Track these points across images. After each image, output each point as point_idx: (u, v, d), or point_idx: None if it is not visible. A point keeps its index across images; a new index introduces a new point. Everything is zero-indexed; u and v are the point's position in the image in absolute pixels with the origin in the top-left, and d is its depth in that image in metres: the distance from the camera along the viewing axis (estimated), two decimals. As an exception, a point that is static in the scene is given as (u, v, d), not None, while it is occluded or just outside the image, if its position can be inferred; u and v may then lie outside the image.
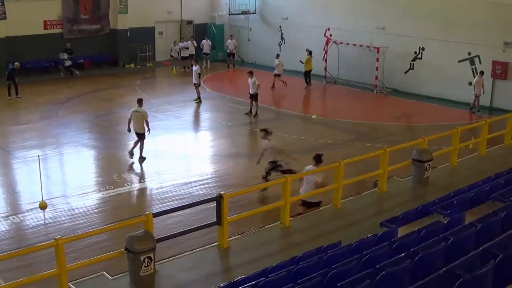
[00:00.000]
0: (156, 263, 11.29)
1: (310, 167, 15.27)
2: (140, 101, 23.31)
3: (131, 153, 23.12)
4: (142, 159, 22.87)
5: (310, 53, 36.82)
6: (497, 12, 30.62)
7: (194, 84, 31.92)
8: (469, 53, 32.25)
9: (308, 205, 15.21)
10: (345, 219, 14.22)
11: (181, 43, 42.46)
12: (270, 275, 9.49)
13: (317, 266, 9.36)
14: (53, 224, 17.15)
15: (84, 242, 14.74)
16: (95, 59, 40.65)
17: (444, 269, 7.36)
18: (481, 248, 7.77)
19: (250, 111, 29.58)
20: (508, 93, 29.65)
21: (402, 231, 11.36)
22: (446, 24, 32.93)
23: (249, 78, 29.24)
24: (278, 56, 37.20)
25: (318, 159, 15.20)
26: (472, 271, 6.75)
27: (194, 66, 32.13)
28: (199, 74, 31.75)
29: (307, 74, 36.75)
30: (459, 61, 32.69)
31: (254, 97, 29.28)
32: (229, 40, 43.30)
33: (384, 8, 35.56)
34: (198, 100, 31.80)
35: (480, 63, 31.81)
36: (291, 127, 28.04)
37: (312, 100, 34.94)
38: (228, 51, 43.22)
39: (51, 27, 38.96)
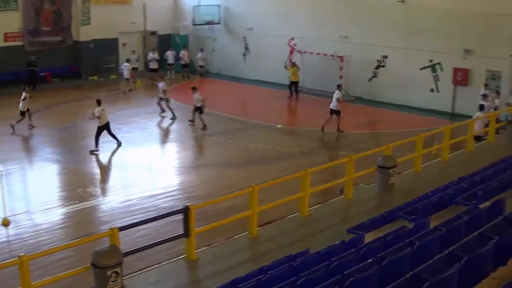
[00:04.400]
0: (123, 278, 11.20)
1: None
2: (99, 101, 26.02)
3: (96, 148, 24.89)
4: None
5: (294, 64, 36.91)
6: (457, 20, 31.05)
7: (161, 99, 31.59)
8: (431, 61, 32.65)
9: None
10: (313, 227, 14.27)
11: (150, 53, 42.16)
12: (239, 286, 9.50)
13: (286, 274, 9.40)
14: (17, 241, 16.90)
15: (49, 259, 14.52)
16: (57, 71, 40.31)
17: (410, 273, 7.46)
18: (446, 252, 7.88)
19: (193, 121, 29.75)
20: (469, 99, 30.03)
21: (368, 237, 11.45)
22: (408, 32, 33.31)
23: (194, 95, 29.44)
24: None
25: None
26: (438, 274, 6.85)
27: (159, 83, 31.83)
28: (164, 90, 31.52)
29: (293, 85, 36.91)
30: (420, 69, 33.08)
31: (199, 109, 29.34)
32: (182, 51, 43.18)
33: (347, 17, 35.85)
34: (173, 117, 31.35)
35: (442, 70, 32.21)
36: (257, 136, 28.10)
37: (278, 109, 35.02)
38: (182, 62, 42.96)
39: (11, 39, 38.60)
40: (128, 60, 39.87)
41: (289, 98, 36.75)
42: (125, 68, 38.93)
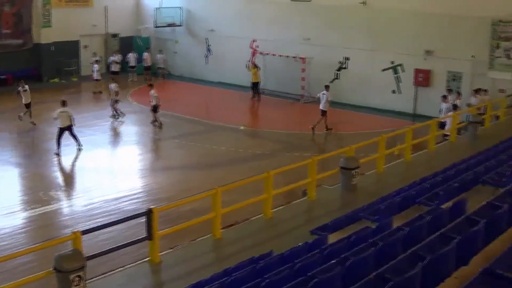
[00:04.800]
0: (87, 282, 11.08)
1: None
2: (64, 102, 25.87)
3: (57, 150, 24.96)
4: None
5: (255, 65, 36.95)
6: (418, 22, 31.39)
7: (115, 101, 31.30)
8: (392, 62, 32.94)
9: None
10: (276, 229, 14.26)
11: (111, 57, 41.89)
12: (202, 288, 9.48)
13: (249, 277, 9.37)
14: (-22, 246, 16.71)
15: (11, 264, 14.29)
16: (18, 74, 39.60)
17: (374, 273, 7.47)
18: (409, 252, 7.91)
19: (156, 121, 29.76)
20: (430, 99, 30.36)
21: (332, 238, 11.47)
22: (369, 34, 33.55)
23: (150, 91, 29.60)
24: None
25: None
26: (401, 274, 6.87)
27: (111, 85, 31.46)
28: (117, 92, 31.17)
29: (255, 86, 36.97)
30: (382, 70, 33.33)
31: (155, 108, 29.45)
32: (145, 53, 43.04)
33: (309, 19, 36.00)
34: (117, 117, 31.17)
35: (403, 71, 32.50)
36: (220, 138, 28.09)
37: (240, 111, 35.03)
38: (144, 64, 42.78)
39: (-29, 42, 38.13)
40: (97, 62, 39.70)
41: (251, 99, 36.80)
42: (95, 69, 38.99)
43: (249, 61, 38.61)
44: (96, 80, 38.71)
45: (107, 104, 32.16)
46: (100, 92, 38.04)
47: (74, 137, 25.75)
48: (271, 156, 24.96)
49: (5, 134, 28.85)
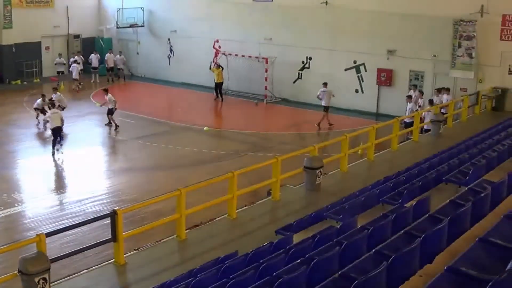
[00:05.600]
0: (51, 284, 10.99)
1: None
2: (53, 104, 27.36)
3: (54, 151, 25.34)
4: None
5: (219, 66, 36.83)
6: (380, 21, 31.60)
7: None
8: (355, 61, 33.12)
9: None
10: (241, 229, 14.26)
11: (57, 58, 41.37)
12: (168, 289, 9.43)
13: (214, 277, 9.35)
14: None
15: (-27, 266, 14.18)
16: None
17: (339, 272, 7.48)
18: (373, 250, 7.94)
19: (110, 123, 29.65)
20: (393, 99, 30.62)
21: (297, 238, 11.49)
22: (332, 33, 33.70)
23: (105, 95, 29.59)
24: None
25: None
26: (366, 273, 6.89)
27: (54, 94, 30.36)
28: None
29: (218, 86, 36.82)
30: (345, 70, 33.50)
31: (110, 111, 29.37)
32: (108, 54, 42.72)
33: (271, 19, 36.04)
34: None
35: (366, 70, 32.70)
36: (184, 139, 27.99)
37: (203, 112, 34.93)
38: (107, 65, 42.48)
39: None
40: (76, 61, 39.73)
41: (215, 100, 36.71)
42: (74, 69, 39.24)
43: (213, 61, 38.54)
44: (75, 79, 39.09)
45: (69, 106, 31.65)
46: (78, 91, 38.53)
47: (60, 139, 25.82)
48: (235, 157, 24.94)
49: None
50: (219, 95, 36.81)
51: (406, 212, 10.10)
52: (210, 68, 37.94)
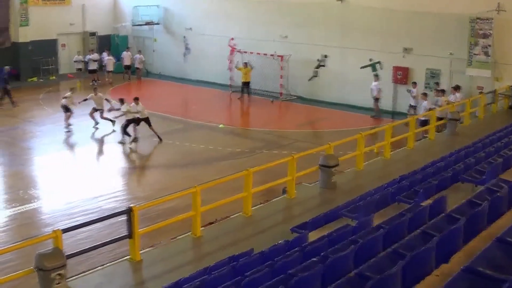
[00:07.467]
0: (67, 280, 11.04)
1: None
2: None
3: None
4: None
5: (246, 64, 36.61)
6: (397, 19, 31.47)
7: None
8: (371, 59, 32.98)
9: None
10: (256, 227, 14.25)
11: (88, 55, 41.63)
12: (183, 286, 9.43)
13: (229, 275, 9.35)
14: (-44, 245, 16.55)
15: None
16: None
17: (354, 271, 7.47)
18: (389, 250, 7.92)
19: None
20: (409, 97, 30.43)
21: (312, 236, 11.47)
22: (347, 31, 33.60)
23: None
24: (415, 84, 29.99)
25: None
26: (381, 272, 6.87)
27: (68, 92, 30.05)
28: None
29: (245, 86, 36.52)
30: (361, 68, 33.38)
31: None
32: (125, 52, 42.76)
33: (286, 16, 35.99)
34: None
35: (381, 69, 32.57)
36: (199, 137, 28.01)
37: (219, 109, 34.95)
38: (123, 64, 42.44)
39: None
40: (109, 53, 41.18)
41: (239, 99, 36.40)
42: (109, 62, 40.94)
43: (229, 60, 38.43)
44: (109, 72, 40.88)
45: (89, 104, 31.55)
46: (111, 83, 39.92)
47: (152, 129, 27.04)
48: (249, 154, 24.93)
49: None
50: (246, 94, 36.48)
51: (422, 211, 10.06)
52: (236, 66, 37.71)
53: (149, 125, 26.93)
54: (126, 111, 26.42)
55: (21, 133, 28.40)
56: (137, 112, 26.84)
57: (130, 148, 26.46)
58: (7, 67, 34.40)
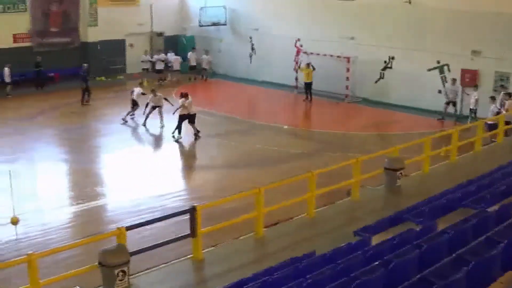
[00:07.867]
0: (130, 277, 11.20)
1: None
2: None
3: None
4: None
5: (308, 65, 36.59)
6: (465, 21, 30.95)
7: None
8: (438, 62, 32.54)
9: None
10: (319, 229, 14.23)
11: (156, 55, 42.22)
12: (245, 286, 9.47)
13: (291, 276, 9.36)
14: (25, 240, 16.94)
15: (56, 257, 14.44)
16: (65, 72, 40.04)
17: (417, 276, 7.41)
18: (453, 255, 7.82)
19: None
20: (477, 100, 29.91)
21: (375, 240, 11.40)
22: (415, 33, 33.20)
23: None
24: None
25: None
26: (445, 278, 6.80)
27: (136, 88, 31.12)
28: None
29: (308, 87, 36.45)
30: (428, 70, 32.97)
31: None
32: (190, 53, 43.15)
33: (353, 18, 35.77)
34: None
35: (449, 71, 32.11)
36: (262, 137, 28.05)
37: (284, 110, 34.97)
38: (189, 64, 42.89)
39: (20, 40, 38.60)
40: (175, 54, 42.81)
41: (304, 101, 36.36)
42: (176, 62, 42.55)
43: (295, 61, 38.38)
44: (177, 71, 42.34)
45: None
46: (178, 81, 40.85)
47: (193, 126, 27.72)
48: (313, 156, 24.87)
49: (51, 130, 29.21)
50: (308, 95, 36.44)
51: (489, 217, 9.91)
52: (299, 67, 37.69)
53: (193, 122, 27.51)
54: (181, 105, 26.77)
55: (88, 131, 28.94)
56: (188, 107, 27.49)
57: (191, 147, 26.77)
58: (85, 64, 35.11)
